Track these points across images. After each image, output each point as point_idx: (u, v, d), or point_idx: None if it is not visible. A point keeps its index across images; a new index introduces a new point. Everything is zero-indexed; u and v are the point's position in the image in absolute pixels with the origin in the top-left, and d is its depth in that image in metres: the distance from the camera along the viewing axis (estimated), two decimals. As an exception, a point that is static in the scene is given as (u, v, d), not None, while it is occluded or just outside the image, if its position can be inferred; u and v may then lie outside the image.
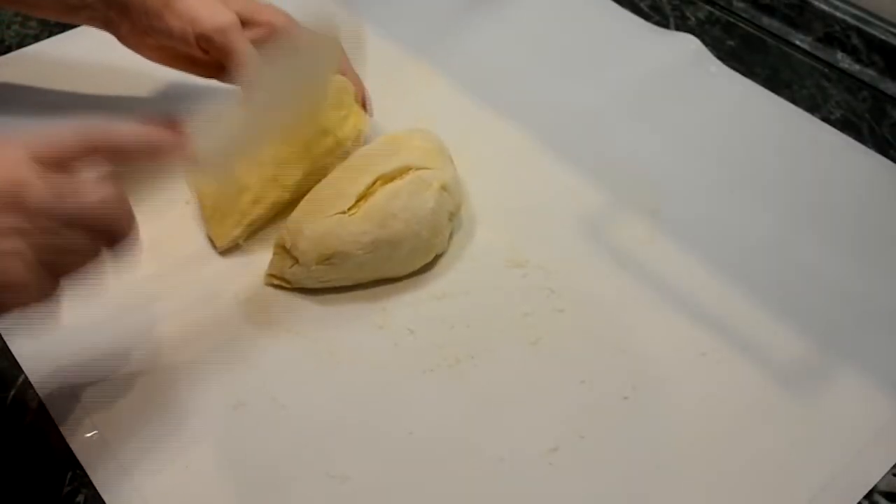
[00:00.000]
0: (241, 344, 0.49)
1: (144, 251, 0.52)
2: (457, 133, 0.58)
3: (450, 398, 0.47)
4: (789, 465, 0.45)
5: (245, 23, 0.54)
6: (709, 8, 0.77)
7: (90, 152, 0.38)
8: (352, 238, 0.49)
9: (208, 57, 0.54)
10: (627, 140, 0.63)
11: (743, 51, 0.73)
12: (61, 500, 0.43)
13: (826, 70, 0.71)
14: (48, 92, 0.64)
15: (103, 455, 0.44)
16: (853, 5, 0.71)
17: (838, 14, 0.71)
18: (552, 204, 0.58)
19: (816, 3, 0.72)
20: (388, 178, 0.51)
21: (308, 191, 0.53)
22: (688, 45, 0.71)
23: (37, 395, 0.46)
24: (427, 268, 0.53)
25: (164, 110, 0.62)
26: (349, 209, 0.50)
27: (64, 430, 0.45)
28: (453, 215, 0.53)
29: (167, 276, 0.52)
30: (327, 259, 0.50)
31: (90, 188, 0.37)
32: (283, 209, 0.54)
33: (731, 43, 0.74)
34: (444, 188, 0.52)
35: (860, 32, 0.70)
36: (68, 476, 0.43)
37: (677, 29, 0.74)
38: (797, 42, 0.73)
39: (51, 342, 0.48)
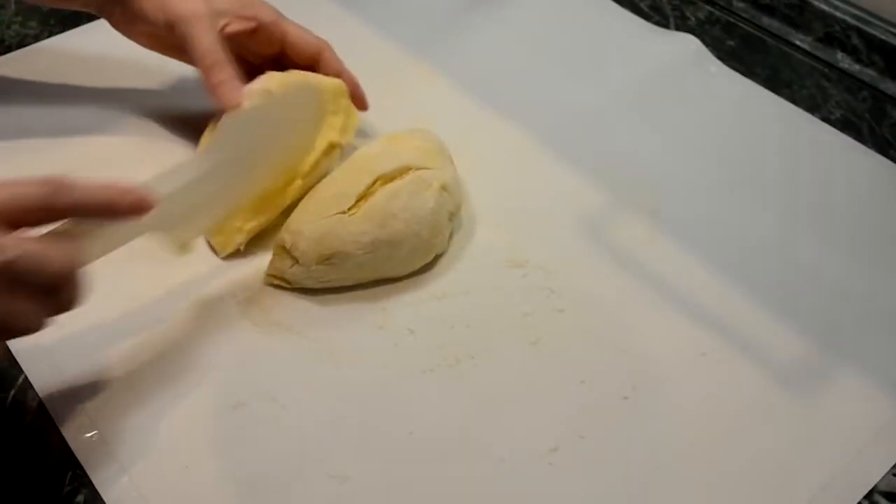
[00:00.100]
0: (241, 344, 0.49)
1: (144, 252, 0.53)
2: (457, 133, 0.58)
3: (450, 398, 0.47)
4: (789, 465, 0.45)
5: (231, 17, 0.54)
6: (709, 8, 0.77)
7: (50, 209, 0.37)
8: (352, 238, 0.49)
9: None
10: (627, 140, 0.63)
11: (743, 51, 0.73)
12: (61, 500, 0.43)
13: (826, 70, 0.71)
14: (48, 92, 0.64)
15: (103, 455, 0.44)
16: (853, 5, 0.71)
17: (838, 14, 0.71)
18: (552, 204, 0.58)
19: (816, 3, 0.72)
20: (388, 178, 0.51)
21: (307, 192, 0.53)
22: (688, 45, 0.71)
23: (37, 395, 0.46)
24: (427, 268, 0.53)
25: (164, 111, 0.62)
26: (349, 209, 0.50)
27: (64, 430, 0.45)
28: (453, 215, 0.53)
29: (167, 276, 0.52)
30: (327, 259, 0.50)
31: (46, 252, 0.36)
32: (284, 211, 0.54)
33: (731, 43, 0.74)
34: (444, 188, 0.52)
35: (860, 32, 0.70)
36: (68, 476, 0.43)
37: (677, 29, 0.74)
38: (797, 42, 0.74)
39: (51, 342, 0.48)
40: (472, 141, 0.61)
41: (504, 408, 0.47)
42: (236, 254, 0.53)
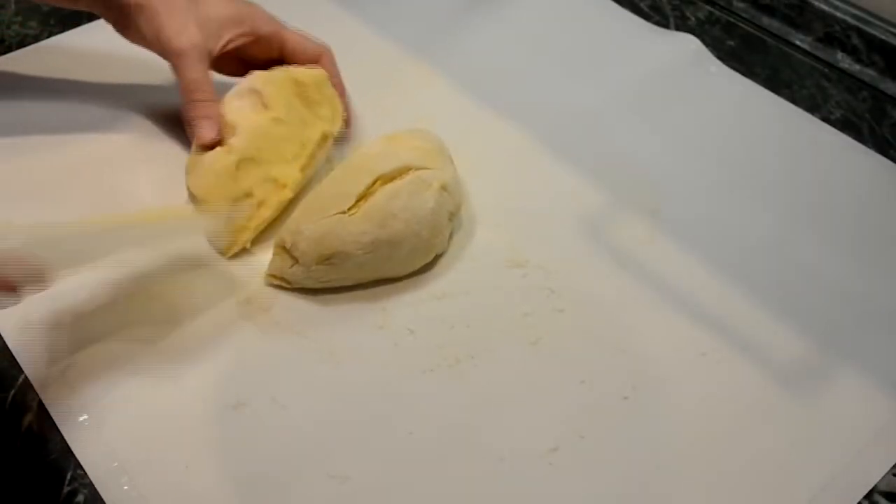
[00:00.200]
0: (241, 344, 0.49)
1: (144, 252, 0.53)
2: (457, 133, 0.58)
3: (450, 398, 0.47)
4: (789, 465, 0.45)
5: (231, 35, 0.55)
6: (709, 8, 0.77)
7: None
8: (352, 238, 0.49)
9: None
10: (627, 140, 0.63)
11: (743, 51, 0.73)
12: (61, 500, 0.43)
13: (826, 70, 0.71)
14: (48, 91, 0.64)
15: (103, 455, 0.44)
16: (853, 5, 0.71)
17: (838, 14, 0.71)
18: (552, 204, 0.58)
19: (816, 3, 0.72)
20: (388, 178, 0.51)
21: (307, 185, 0.53)
22: (688, 45, 0.71)
23: (37, 395, 0.46)
24: (427, 268, 0.53)
25: (164, 110, 0.62)
26: (349, 209, 0.50)
27: (64, 430, 0.45)
28: (453, 215, 0.53)
29: (167, 276, 0.52)
30: (327, 259, 0.50)
31: None
32: (287, 208, 0.54)
33: (731, 43, 0.74)
34: (444, 188, 0.52)
35: (860, 32, 0.70)
36: (68, 476, 0.43)
37: (677, 29, 0.74)
38: (797, 42, 0.74)
39: (51, 342, 0.48)
40: (472, 141, 0.61)
41: (504, 408, 0.47)
42: (237, 253, 0.53)
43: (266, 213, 0.53)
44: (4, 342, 0.48)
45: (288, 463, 0.44)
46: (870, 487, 0.45)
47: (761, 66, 0.71)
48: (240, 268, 0.53)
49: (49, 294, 0.48)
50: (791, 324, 0.52)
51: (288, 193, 0.54)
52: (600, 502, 0.44)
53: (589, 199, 0.59)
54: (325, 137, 0.56)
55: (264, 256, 0.53)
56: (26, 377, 0.47)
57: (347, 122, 0.59)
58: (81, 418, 0.45)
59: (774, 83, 0.69)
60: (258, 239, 0.54)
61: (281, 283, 0.52)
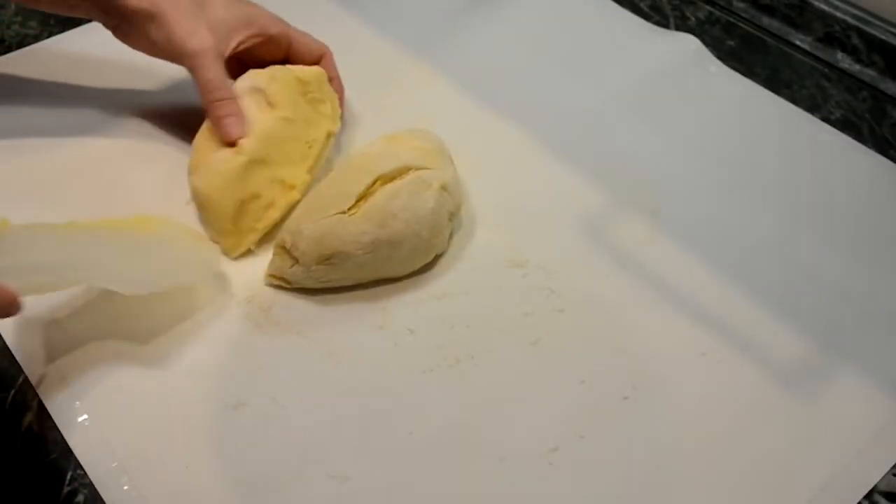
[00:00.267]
0: (240, 344, 0.49)
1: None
2: (457, 133, 0.58)
3: (450, 398, 0.47)
4: (789, 465, 0.45)
5: (242, 36, 0.55)
6: (709, 8, 0.77)
7: None
8: (352, 238, 0.49)
9: None
10: (627, 140, 0.63)
11: (743, 51, 0.73)
12: (61, 500, 0.43)
13: (826, 70, 0.71)
14: (48, 92, 0.64)
15: (103, 455, 0.44)
16: (853, 5, 0.71)
17: (838, 14, 0.71)
18: (552, 204, 0.58)
19: (816, 3, 0.72)
20: (388, 178, 0.51)
21: (311, 187, 0.53)
22: (688, 45, 0.71)
23: (37, 395, 0.46)
24: (427, 268, 0.53)
25: (164, 110, 0.62)
26: (349, 209, 0.50)
27: (64, 431, 0.45)
28: (453, 215, 0.53)
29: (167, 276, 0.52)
30: (327, 259, 0.50)
31: None
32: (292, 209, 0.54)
33: (731, 43, 0.74)
34: (444, 188, 0.52)
35: (860, 32, 0.70)
36: (68, 476, 0.43)
37: (677, 29, 0.74)
38: (797, 42, 0.73)
39: (51, 342, 0.48)
40: (472, 141, 0.61)
41: (504, 408, 0.47)
42: (240, 254, 0.53)
43: (274, 215, 0.53)
44: (4, 342, 0.48)
45: (288, 463, 0.44)
46: (870, 487, 0.45)
47: (761, 66, 0.71)
48: (240, 268, 0.53)
49: (49, 294, 0.48)
50: (791, 324, 0.52)
51: (296, 195, 0.54)
52: (600, 502, 0.44)
53: (589, 199, 0.59)
54: (329, 136, 0.56)
55: (264, 256, 0.53)
56: (26, 377, 0.47)
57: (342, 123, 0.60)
58: (81, 418, 0.45)
59: (774, 83, 0.69)
60: (260, 239, 0.54)
61: (281, 283, 0.52)
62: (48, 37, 0.69)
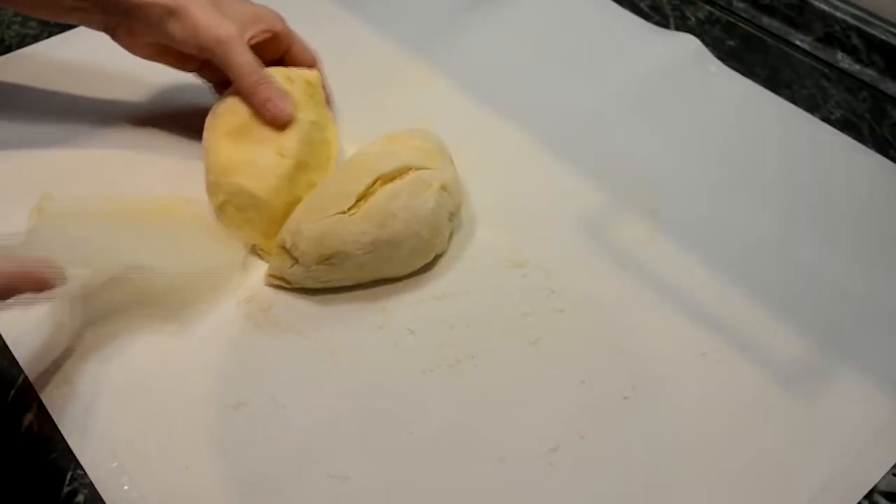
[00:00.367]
0: (240, 344, 0.49)
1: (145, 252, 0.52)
2: (457, 133, 0.58)
3: (450, 398, 0.47)
4: (789, 465, 0.45)
5: (254, 30, 0.55)
6: (709, 8, 0.77)
7: None
8: (352, 238, 0.49)
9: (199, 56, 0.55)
10: (627, 140, 0.63)
11: (743, 51, 0.73)
12: (61, 500, 0.43)
13: (826, 70, 0.71)
14: (48, 92, 0.64)
15: (103, 455, 0.44)
16: (853, 5, 0.71)
17: (838, 14, 0.71)
18: (552, 204, 0.58)
19: (816, 3, 0.72)
20: (388, 178, 0.51)
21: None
22: (688, 45, 0.71)
23: (37, 395, 0.46)
24: (427, 268, 0.53)
25: (165, 109, 0.62)
26: (349, 209, 0.50)
27: (64, 430, 0.45)
28: (453, 215, 0.53)
29: (168, 276, 0.52)
30: (327, 259, 0.50)
31: None
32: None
33: (731, 43, 0.74)
34: (444, 188, 0.52)
35: (860, 32, 0.70)
36: (68, 476, 0.43)
37: (677, 29, 0.74)
38: (797, 42, 0.74)
39: (51, 342, 0.48)
40: (472, 141, 0.61)
41: (504, 408, 0.47)
42: (236, 254, 0.53)
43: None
44: (4, 342, 0.48)
45: (288, 463, 0.44)
46: (870, 487, 0.45)
47: (761, 66, 0.71)
48: (240, 267, 0.53)
49: (48, 294, 0.48)
50: (791, 324, 0.52)
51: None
52: (600, 502, 0.44)
53: (589, 199, 0.59)
54: (335, 136, 0.56)
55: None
56: (26, 377, 0.47)
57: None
58: (81, 418, 0.45)
59: (774, 83, 0.69)
60: (258, 239, 0.54)
61: (281, 283, 0.52)
62: (48, 37, 0.69)
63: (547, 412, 0.47)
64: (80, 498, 0.43)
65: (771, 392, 0.48)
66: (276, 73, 0.55)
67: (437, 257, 0.54)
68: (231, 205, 0.52)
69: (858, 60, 0.71)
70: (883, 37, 0.69)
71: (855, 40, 0.71)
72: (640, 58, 0.70)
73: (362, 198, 0.50)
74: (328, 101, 0.60)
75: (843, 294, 0.54)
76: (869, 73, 0.70)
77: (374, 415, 0.46)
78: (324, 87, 0.59)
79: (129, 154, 0.59)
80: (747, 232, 0.57)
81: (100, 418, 0.45)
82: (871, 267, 0.55)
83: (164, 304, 0.50)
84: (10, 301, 0.40)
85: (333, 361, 0.49)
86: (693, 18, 0.76)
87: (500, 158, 0.61)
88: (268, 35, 0.56)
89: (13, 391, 0.47)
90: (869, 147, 0.64)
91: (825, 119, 0.66)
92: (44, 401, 0.46)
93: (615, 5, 0.76)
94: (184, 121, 0.60)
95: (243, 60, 0.53)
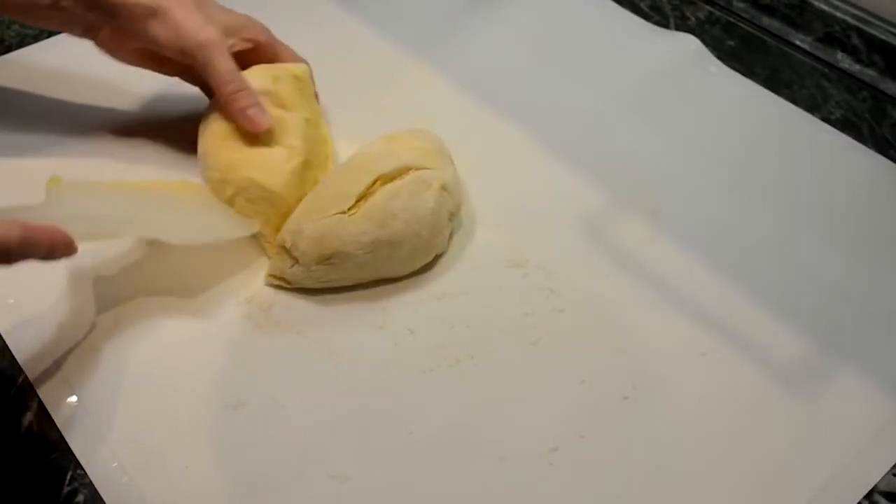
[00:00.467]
0: (240, 344, 0.49)
1: (144, 253, 0.53)
2: (457, 133, 0.58)
3: (450, 398, 0.47)
4: (789, 465, 0.45)
5: (235, 39, 0.55)
6: (709, 8, 0.77)
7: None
8: (352, 238, 0.49)
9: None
10: (627, 140, 0.63)
11: (743, 51, 0.73)
12: (61, 500, 0.43)
13: (826, 70, 0.71)
14: (48, 92, 0.64)
15: (103, 455, 0.44)
16: (853, 5, 0.71)
17: (838, 14, 0.71)
18: (552, 204, 0.58)
19: (816, 3, 0.72)
20: (388, 178, 0.51)
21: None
22: (688, 45, 0.71)
23: (37, 395, 0.46)
24: (427, 268, 0.53)
25: (165, 107, 0.62)
26: (349, 209, 0.50)
27: (64, 430, 0.45)
28: (453, 215, 0.53)
29: (167, 277, 0.52)
30: (327, 259, 0.50)
31: None
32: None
33: (731, 43, 0.74)
34: (444, 188, 0.52)
35: (860, 32, 0.70)
36: (68, 476, 0.43)
37: (677, 29, 0.74)
38: (797, 42, 0.74)
39: (51, 342, 0.48)
40: (472, 141, 0.61)
41: (504, 408, 0.47)
42: (237, 253, 0.53)
43: None
44: (4, 342, 0.48)
45: (288, 463, 0.44)
46: (870, 487, 0.45)
47: (761, 66, 0.71)
48: (240, 268, 0.53)
49: (49, 294, 0.48)
50: (791, 324, 0.52)
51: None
52: (600, 502, 0.44)
53: (589, 199, 0.59)
54: (329, 136, 0.56)
55: (264, 256, 0.53)
56: (26, 377, 0.47)
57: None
58: (81, 418, 0.45)
59: (774, 83, 0.69)
60: (259, 239, 0.54)
61: (281, 283, 0.52)
62: (48, 37, 0.69)
63: (547, 412, 0.47)
64: (80, 498, 0.43)
65: (771, 392, 0.48)
66: (263, 72, 0.55)
67: (437, 257, 0.54)
68: (241, 197, 0.51)
69: (858, 60, 0.71)
70: (883, 37, 0.69)
71: (855, 40, 0.71)
72: (640, 58, 0.70)
73: (362, 198, 0.50)
74: (316, 97, 0.59)
75: (843, 294, 0.54)
76: (869, 73, 0.70)
77: (374, 415, 0.46)
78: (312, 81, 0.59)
79: (132, 153, 0.59)
80: (747, 232, 0.57)
81: (100, 418, 0.45)
82: (871, 267, 0.55)
83: (180, 278, 0.51)
84: (18, 265, 0.40)
85: (333, 361, 0.49)
86: (693, 18, 0.76)
87: (500, 158, 0.61)
88: (249, 45, 0.56)
89: (13, 391, 0.47)
90: (869, 147, 0.64)
91: (825, 119, 0.66)
92: (44, 401, 0.46)
93: (615, 5, 0.76)
94: (190, 115, 0.59)
95: (223, 67, 0.52)
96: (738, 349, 0.50)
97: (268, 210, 0.52)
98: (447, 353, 0.49)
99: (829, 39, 0.72)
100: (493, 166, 0.60)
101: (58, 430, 0.45)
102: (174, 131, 0.60)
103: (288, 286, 0.52)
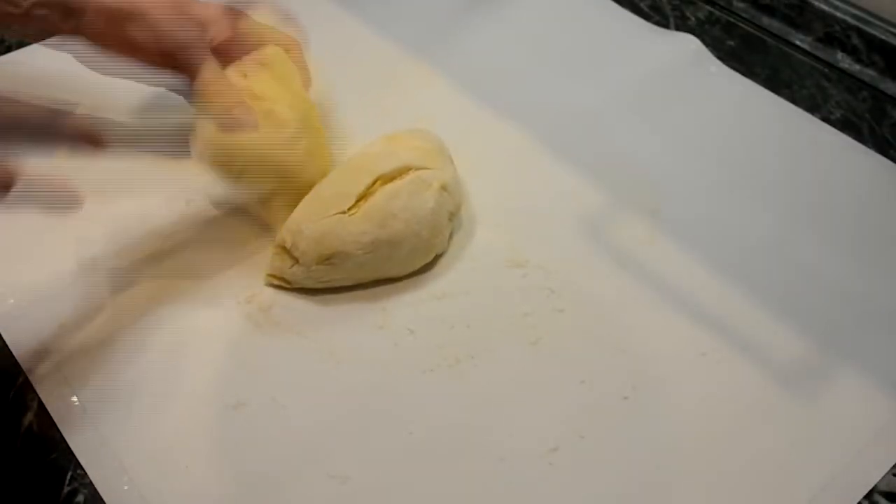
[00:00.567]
0: (240, 344, 0.49)
1: (144, 252, 0.53)
2: (457, 133, 0.58)
3: (450, 398, 0.47)
4: (789, 465, 0.45)
5: (208, 32, 0.53)
6: (709, 8, 0.77)
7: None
8: (352, 238, 0.49)
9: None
10: (627, 140, 0.63)
11: (743, 51, 0.73)
12: (61, 500, 0.43)
13: (826, 70, 0.71)
14: (48, 92, 0.64)
15: (103, 455, 0.44)
16: (853, 5, 0.71)
17: (838, 14, 0.71)
18: (552, 204, 0.58)
19: (816, 3, 0.72)
20: (388, 178, 0.51)
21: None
22: (688, 45, 0.71)
23: (37, 395, 0.46)
24: (427, 268, 0.53)
25: (165, 106, 0.62)
26: (349, 209, 0.50)
27: (64, 430, 0.45)
28: (453, 215, 0.54)
29: (167, 277, 0.52)
30: (327, 259, 0.50)
31: None
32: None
33: (731, 43, 0.74)
34: (444, 188, 0.52)
35: (860, 32, 0.70)
36: (68, 476, 0.43)
37: (677, 29, 0.74)
38: (797, 42, 0.74)
39: (51, 342, 0.48)
40: (472, 141, 0.61)
41: (504, 408, 0.47)
42: (236, 254, 0.53)
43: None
44: (4, 342, 0.48)
45: (288, 463, 0.44)
46: (870, 487, 0.45)
47: (761, 66, 0.71)
48: (240, 268, 0.53)
49: (49, 294, 0.48)
50: (791, 324, 0.52)
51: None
52: (600, 502, 0.44)
53: (589, 199, 0.59)
54: (313, 108, 0.55)
55: (264, 256, 0.53)
56: (26, 377, 0.47)
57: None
58: (81, 418, 0.45)
59: (774, 83, 0.69)
60: (259, 238, 0.54)
61: (281, 283, 0.52)
62: (48, 37, 0.68)
63: (547, 412, 0.47)
64: (80, 498, 0.43)
65: (771, 392, 0.48)
66: (232, 71, 0.53)
67: (437, 257, 0.54)
68: (249, 172, 0.51)
69: (858, 60, 0.71)
70: (883, 37, 0.69)
71: (855, 40, 0.71)
72: (640, 58, 0.70)
73: (362, 198, 0.50)
74: (305, 83, 0.57)
75: (843, 294, 0.54)
76: (869, 73, 0.70)
77: (374, 415, 0.46)
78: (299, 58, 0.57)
79: (129, 152, 0.59)
80: (747, 232, 0.57)
81: (100, 418, 0.45)
82: (871, 267, 0.55)
83: (180, 278, 0.51)
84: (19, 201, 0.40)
85: (333, 361, 0.49)
86: (693, 18, 0.76)
87: (500, 158, 0.61)
88: (229, 34, 0.54)
89: (13, 391, 0.47)
90: (869, 147, 0.64)
91: (825, 119, 0.66)
92: (44, 401, 0.46)
93: (615, 5, 0.76)
94: (190, 112, 0.59)
95: (205, 69, 0.51)
96: (738, 349, 0.50)
97: (291, 186, 0.52)
98: (447, 353, 0.49)
99: (829, 39, 0.72)
100: (493, 166, 0.60)
101: (58, 430, 0.45)
102: (174, 131, 0.59)
103: (288, 286, 0.52)
